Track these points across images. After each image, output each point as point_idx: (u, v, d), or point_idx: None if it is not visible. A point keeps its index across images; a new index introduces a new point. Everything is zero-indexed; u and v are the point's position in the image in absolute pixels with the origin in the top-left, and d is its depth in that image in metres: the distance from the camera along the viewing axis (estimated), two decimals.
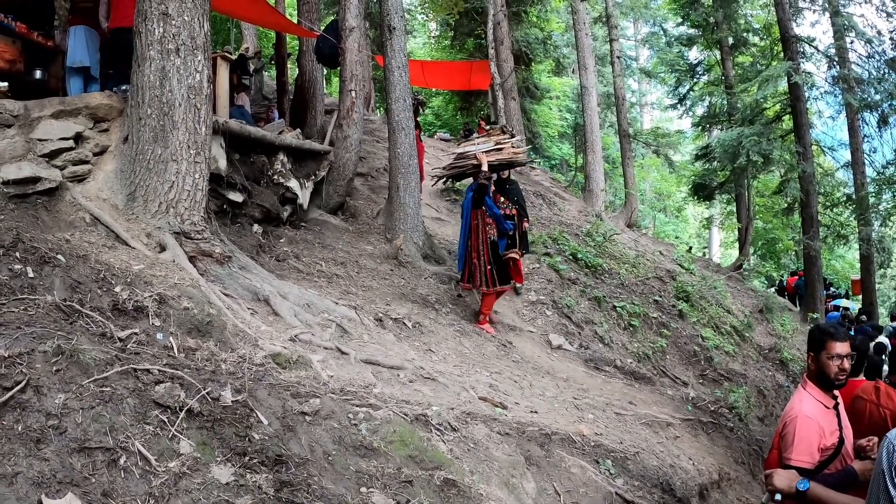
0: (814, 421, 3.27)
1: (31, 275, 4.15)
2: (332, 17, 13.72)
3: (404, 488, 3.59)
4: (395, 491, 3.54)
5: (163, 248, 5.43)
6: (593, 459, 5.26)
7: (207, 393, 3.55)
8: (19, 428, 2.85)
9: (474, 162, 8.48)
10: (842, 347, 3.35)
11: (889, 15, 17.68)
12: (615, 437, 5.99)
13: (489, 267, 8.25)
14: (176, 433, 3.22)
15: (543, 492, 4.55)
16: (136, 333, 4.01)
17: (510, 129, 9.62)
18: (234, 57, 12.82)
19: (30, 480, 2.66)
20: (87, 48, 7.52)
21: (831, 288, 21.78)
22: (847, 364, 3.37)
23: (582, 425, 5.84)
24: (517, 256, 9.37)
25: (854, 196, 18.28)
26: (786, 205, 20.61)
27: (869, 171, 18.48)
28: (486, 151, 8.45)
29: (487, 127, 9.78)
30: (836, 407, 3.45)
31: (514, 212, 9.38)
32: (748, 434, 8.28)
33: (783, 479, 3.06)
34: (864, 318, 17.85)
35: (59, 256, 4.48)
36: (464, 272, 8.50)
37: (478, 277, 8.27)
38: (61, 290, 4.14)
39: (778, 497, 3.05)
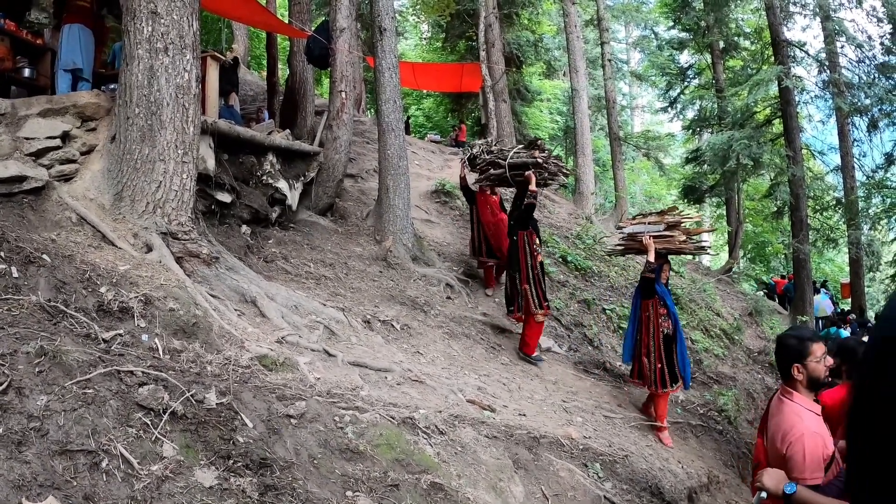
0: (819, 436, 3.25)
1: (15, 275, 4.11)
2: (324, 18, 13.67)
3: (390, 492, 3.56)
4: (381, 495, 3.52)
5: (149, 249, 5.39)
6: (582, 463, 5.25)
7: (192, 395, 3.51)
8: (0, 430, 2.81)
9: (640, 246, 7.65)
10: (821, 347, 3.41)
11: (879, 20, 17.78)
12: (604, 441, 5.98)
13: (659, 366, 7.25)
14: (159, 436, 3.19)
15: (531, 496, 4.53)
16: (120, 335, 3.97)
17: (557, 162, 8.52)
18: (223, 58, 12.75)
19: (10, 483, 2.62)
20: (81, 49, 7.47)
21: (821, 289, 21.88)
22: (830, 360, 3.43)
23: (570, 428, 5.83)
24: (542, 317, 8.25)
25: (844, 200, 18.43)
26: (775, 208, 20.66)
27: (858, 175, 18.66)
28: (654, 236, 7.40)
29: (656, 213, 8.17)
30: (822, 412, 3.46)
31: (541, 258, 8.50)
32: (737, 437, 8.31)
33: (772, 478, 3.05)
34: (852, 315, 17.94)
35: (45, 256, 4.45)
36: (633, 367, 7.72)
37: (647, 377, 7.39)
38: (46, 291, 4.10)
39: (763, 495, 3.05)
